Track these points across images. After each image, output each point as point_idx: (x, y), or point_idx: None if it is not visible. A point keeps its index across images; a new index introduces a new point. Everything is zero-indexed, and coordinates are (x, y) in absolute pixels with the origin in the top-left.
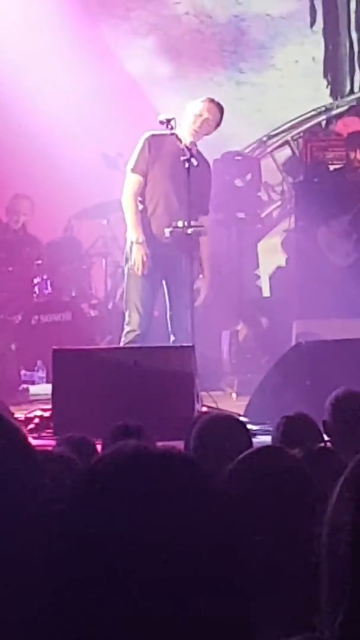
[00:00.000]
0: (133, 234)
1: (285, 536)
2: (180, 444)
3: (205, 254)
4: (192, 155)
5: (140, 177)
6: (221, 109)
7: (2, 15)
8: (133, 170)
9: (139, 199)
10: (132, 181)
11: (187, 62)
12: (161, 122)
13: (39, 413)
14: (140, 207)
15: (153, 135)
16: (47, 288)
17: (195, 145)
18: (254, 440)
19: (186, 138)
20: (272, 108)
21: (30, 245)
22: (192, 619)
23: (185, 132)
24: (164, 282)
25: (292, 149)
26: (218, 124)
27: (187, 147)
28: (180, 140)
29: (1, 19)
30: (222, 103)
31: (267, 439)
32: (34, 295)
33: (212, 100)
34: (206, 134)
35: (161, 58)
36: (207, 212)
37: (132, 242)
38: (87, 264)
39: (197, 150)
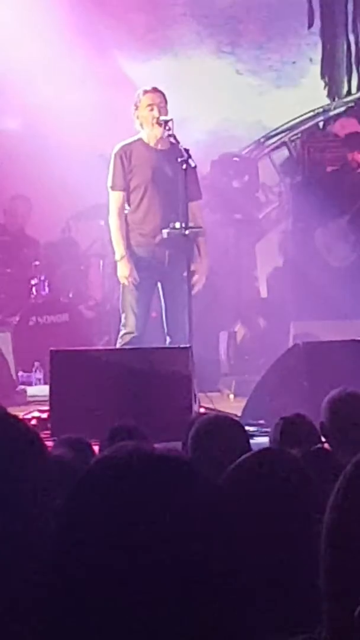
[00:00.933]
0: (116, 251)
1: (285, 537)
2: (177, 445)
3: (203, 241)
4: (189, 156)
5: (120, 192)
6: (159, 90)
7: (2, 18)
8: (112, 188)
9: (127, 208)
10: (114, 199)
11: (184, 63)
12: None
13: (36, 414)
14: (129, 210)
15: (122, 147)
16: (44, 289)
17: (165, 135)
18: (252, 441)
19: (155, 133)
20: (269, 109)
21: (28, 247)
22: (191, 619)
23: (152, 130)
24: (159, 284)
25: (289, 150)
26: (166, 102)
27: (184, 149)
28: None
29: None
30: (219, 104)
31: (264, 440)
32: (32, 296)
33: (146, 90)
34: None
35: (159, 59)
36: (199, 197)
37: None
38: (84, 265)
39: (170, 142)
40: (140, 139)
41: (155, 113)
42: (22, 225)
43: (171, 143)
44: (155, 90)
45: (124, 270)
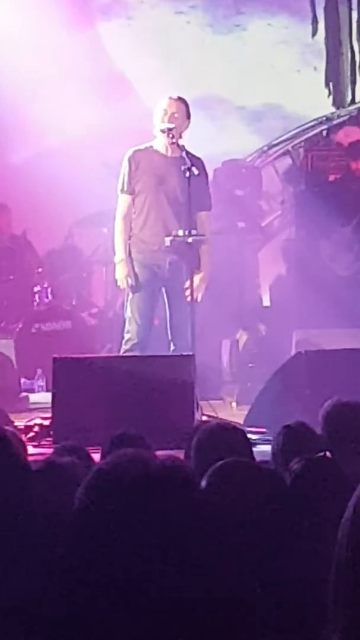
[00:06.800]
0: (116, 253)
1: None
2: (180, 453)
3: (207, 250)
4: (192, 164)
5: (129, 196)
6: (181, 99)
7: (4, 20)
8: (122, 191)
9: (134, 211)
10: (121, 202)
11: (189, 71)
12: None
13: (38, 421)
14: (135, 217)
15: (134, 151)
16: (47, 296)
17: (178, 145)
18: (254, 449)
19: (162, 140)
20: (273, 117)
21: (31, 254)
22: (194, 629)
23: (160, 136)
24: (163, 291)
25: (292, 158)
26: (188, 116)
27: (190, 156)
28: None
29: (3, 24)
30: (223, 111)
31: (267, 449)
32: (35, 303)
33: (171, 97)
34: (181, 130)
35: (163, 67)
36: (209, 208)
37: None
38: (87, 272)
39: (185, 151)
40: (152, 146)
41: (165, 120)
42: (25, 232)
43: (185, 151)
44: (177, 98)
45: (121, 271)
